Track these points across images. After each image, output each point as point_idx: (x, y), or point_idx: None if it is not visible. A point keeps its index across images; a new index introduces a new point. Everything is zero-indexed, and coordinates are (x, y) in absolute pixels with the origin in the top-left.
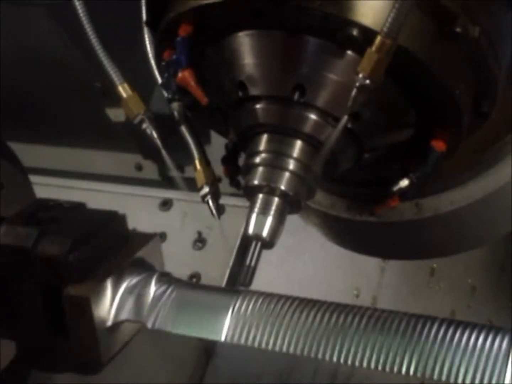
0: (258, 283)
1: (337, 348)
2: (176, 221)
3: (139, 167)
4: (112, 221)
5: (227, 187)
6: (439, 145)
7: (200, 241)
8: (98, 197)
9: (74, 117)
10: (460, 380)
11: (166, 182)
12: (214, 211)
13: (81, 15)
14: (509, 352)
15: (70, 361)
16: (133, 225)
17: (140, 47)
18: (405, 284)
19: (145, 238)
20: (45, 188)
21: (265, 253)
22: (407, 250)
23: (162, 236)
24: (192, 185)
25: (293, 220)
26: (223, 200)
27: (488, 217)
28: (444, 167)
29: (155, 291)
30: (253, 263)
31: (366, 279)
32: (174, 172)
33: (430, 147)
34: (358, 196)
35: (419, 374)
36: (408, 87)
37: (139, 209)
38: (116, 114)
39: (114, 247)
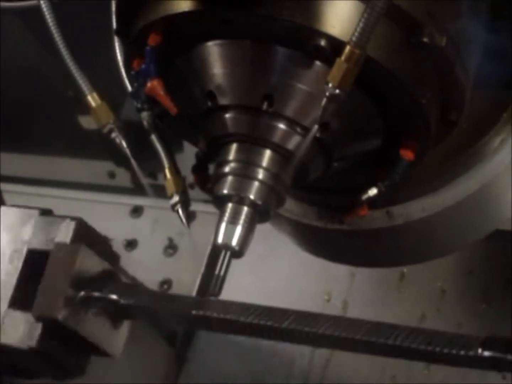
0: (230, 290)
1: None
2: (147, 228)
3: (112, 175)
4: None
5: (199, 193)
6: (407, 154)
7: (171, 248)
8: (69, 204)
9: (47, 124)
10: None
11: (139, 189)
12: (184, 220)
13: (50, 24)
14: None
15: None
16: (104, 233)
17: (112, 54)
18: (375, 289)
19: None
20: (17, 196)
21: (237, 260)
22: (378, 258)
23: (133, 243)
24: (164, 192)
25: (264, 227)
26: (194, 207)
27: (458, 224)
28: (415, 174)
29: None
30: (222, 272)
31: (337, 284)
32: (143, 179)
33: (398, 155)
34: (329, 204)
35: None
36: (375, 96)
37: (110, 216)
38: (88, 122)
39: None
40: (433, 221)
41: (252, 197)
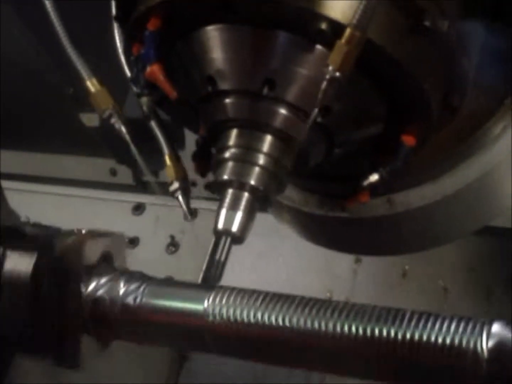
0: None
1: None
2: (149, 226)
3: (113, 172)
4: None
5: (201, 191)
6: (409, 140)
7: (173, 245)
8: (70, 202)
9: (48, 122)
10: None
11: (141, 186)
12: (184, 206)
13: (51, 13)
14: None
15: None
16: (106, 230)
17: (112, 52)
18: (377, 286)
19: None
20: (19, 194)
21: (239, 257)
22: (379, 246)
23: (135, 241)
24: (166, 190)
25: (266, 224)
26: (196, 204)
27: (458, 213)
28: (415, 162)
29: (126, 290)
30: (222, 258)
31: (339, 281)
32: (148, 176)
33: (400, 141)
34: (330, 192)
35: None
36: (378, 81)
37: (112, 213)
38: (90, 119)
39: None
40: (433, 209)
41: (252, 182)
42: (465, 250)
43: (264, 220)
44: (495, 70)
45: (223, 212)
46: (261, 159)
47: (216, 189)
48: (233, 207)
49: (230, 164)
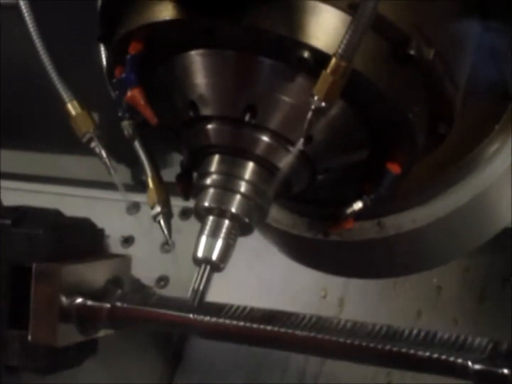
0: (228, 286)
1: None
2: (144, 225)
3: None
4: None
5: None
6: (394, 168)
7: (168, 245)
8: (66, 201)
9: (45, 121)
10: None
11: (140, 186)
12: (165, 231)
13: (31, 29)
14: None
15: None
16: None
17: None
18: (371, 285)
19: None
20: (15, 193)
21: (234, 256)
22: (370, 269)
23: (130, 240)
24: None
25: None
26: (191, 203)
27: (450, 235)
28: (406, 185)
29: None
30: (201, 286)
31: (334, 280)
32: (120, 187)
33: (385, 169)
34: (318, 215)
35: None
36: (361, 109)
37: (107, 212)
38: None
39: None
40: (425, 232)
41: (233, 210)
42: None
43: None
44: (484, 96)
45: (203, 239)
46: (243, 187)
47: (197, 216)
48: (214, 234)
49: (211, 190)
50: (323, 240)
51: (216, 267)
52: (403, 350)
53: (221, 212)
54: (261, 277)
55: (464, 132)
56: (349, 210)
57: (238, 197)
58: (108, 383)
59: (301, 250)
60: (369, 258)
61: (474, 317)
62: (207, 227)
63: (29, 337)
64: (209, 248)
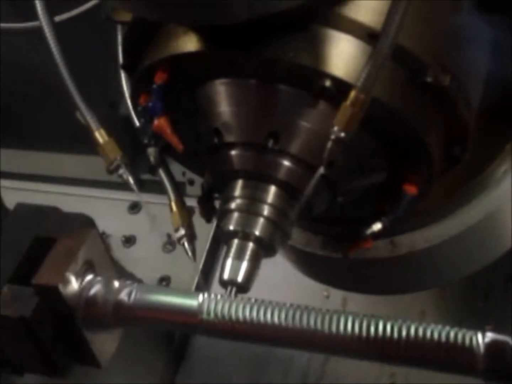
0: None
1: None
2: (146, 224)
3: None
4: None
5: (198, 190)
6: (410, 189)
7: (169, 244)
8: (67, 200)
9: (45, 120)
10: None
11: (138, 185)
12: (189, 253)
13: (57, 57)
14: None
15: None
16: (102, 229)
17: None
18: None
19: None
20: (15, 192)
21: None
22: (382, 286)
23: (132, 239)
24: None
25: None
26: (193, 203)
27: (462, 254)
28: (418, 206)
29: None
30: None
31: None
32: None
33: (402, 190)
34: (333, 234)
35: None
36: (380, 134)
37: (108, 212)
38: None
39: None
40: (437, 251)
41: (257, 233)
42: None
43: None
44: (496, 117)
45: (229, 262)
46: (266, 210)
47: (222, 239)
48: (239, 257)
49: (235, 214)
50: (337, 258)
51: (242, 288)
52: (411, 334)
53: (245, 235)
54: (264, 276)
55: (476, 152)
56: (368, 231)
57: (261, 220)
58: (108, 382)
59: (315, 267)
60: (380, 276)
61: (478, 318)
62: (233, 250)
63: (33, 279)
64: (235, 270)
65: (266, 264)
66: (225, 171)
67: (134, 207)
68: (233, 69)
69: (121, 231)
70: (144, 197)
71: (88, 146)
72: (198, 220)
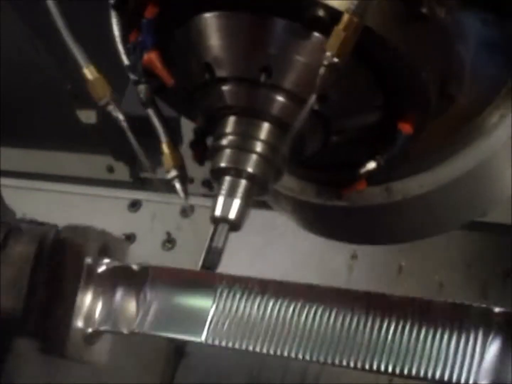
0: None
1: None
2: (145, 222)
3: (110, 169)
4: None
5: (198, 187)
6: (406, 128)
7: (169, 242)
8: (67, 199)
9: (45, 119)
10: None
11: (138, 183)
12: (181, 194)
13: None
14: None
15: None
16: (102, 226)
17: (110, 51)
18: (373, 282)
19: None
20: (15, 191)
21: (235, 253)
22: (377, 235)
23: (131, 237)
24: (163, 186)
25: (262, 221)
26: (193, 201)
27: (456, 201)
28: (413, 151)
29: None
30: (220, 245)
31: (335, 277)
32: (147, 167)
33: (397, 129)
34: (327, 181)
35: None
36: (375, 68)
37: (108, 210)
38: (87, 116)
39: None
40: (431, 198)
41: (249, 170)
42: (461, 245)
43: (261, 216)
44: (491, 60)
45: (221, 199)
46: (259, 146)
47: (213, 177)
48: (231, 194)
49: (227, 151)
50: (331, 206)
51: (234, 225)
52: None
53: (237, 172)
54: (262, 274)
55: (471, 96)
56: (362, 170)
57: (254, 156)
58: (108, 382)
59: (310, 217)
60: (376, 224)
61: None
62: (224, 187)
63: None
64: (227, 207)
65: (265, 261)
66: (216, 107)
67: (134, 205)
68: (224, 0)
69: (120, 229)
70: (144, 195)
71: (88, 144)
72: (198, 220)
